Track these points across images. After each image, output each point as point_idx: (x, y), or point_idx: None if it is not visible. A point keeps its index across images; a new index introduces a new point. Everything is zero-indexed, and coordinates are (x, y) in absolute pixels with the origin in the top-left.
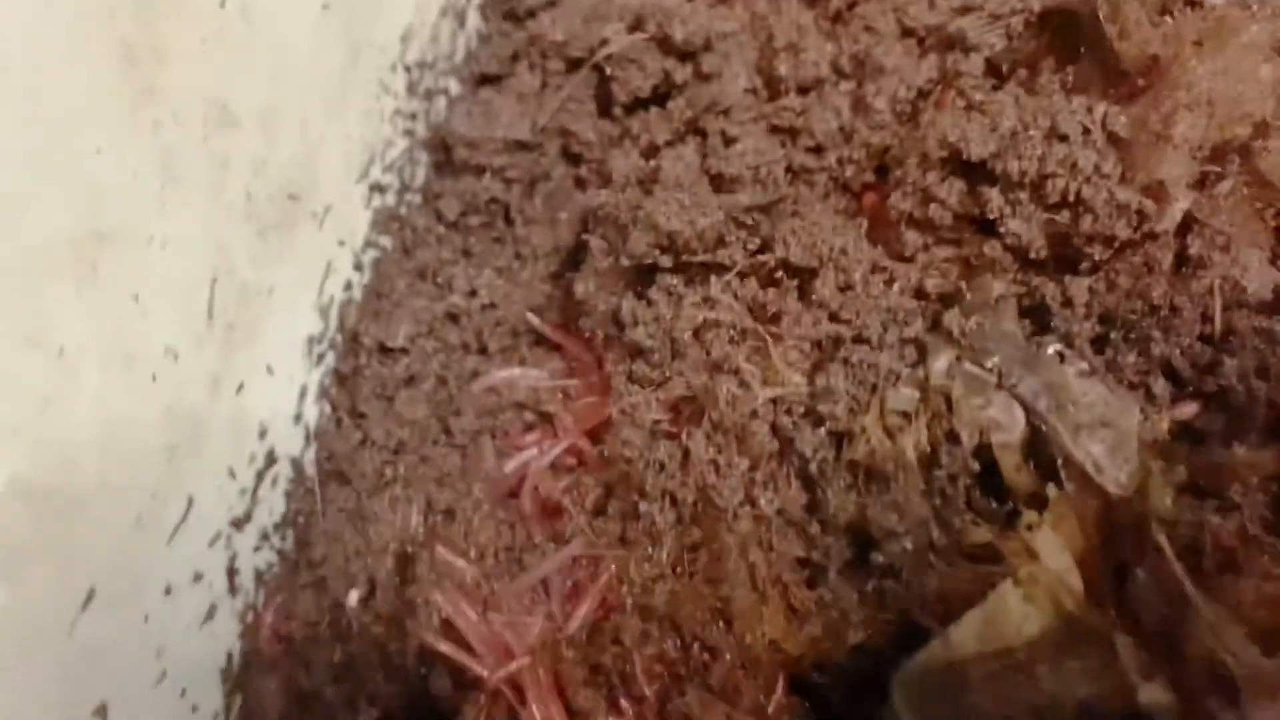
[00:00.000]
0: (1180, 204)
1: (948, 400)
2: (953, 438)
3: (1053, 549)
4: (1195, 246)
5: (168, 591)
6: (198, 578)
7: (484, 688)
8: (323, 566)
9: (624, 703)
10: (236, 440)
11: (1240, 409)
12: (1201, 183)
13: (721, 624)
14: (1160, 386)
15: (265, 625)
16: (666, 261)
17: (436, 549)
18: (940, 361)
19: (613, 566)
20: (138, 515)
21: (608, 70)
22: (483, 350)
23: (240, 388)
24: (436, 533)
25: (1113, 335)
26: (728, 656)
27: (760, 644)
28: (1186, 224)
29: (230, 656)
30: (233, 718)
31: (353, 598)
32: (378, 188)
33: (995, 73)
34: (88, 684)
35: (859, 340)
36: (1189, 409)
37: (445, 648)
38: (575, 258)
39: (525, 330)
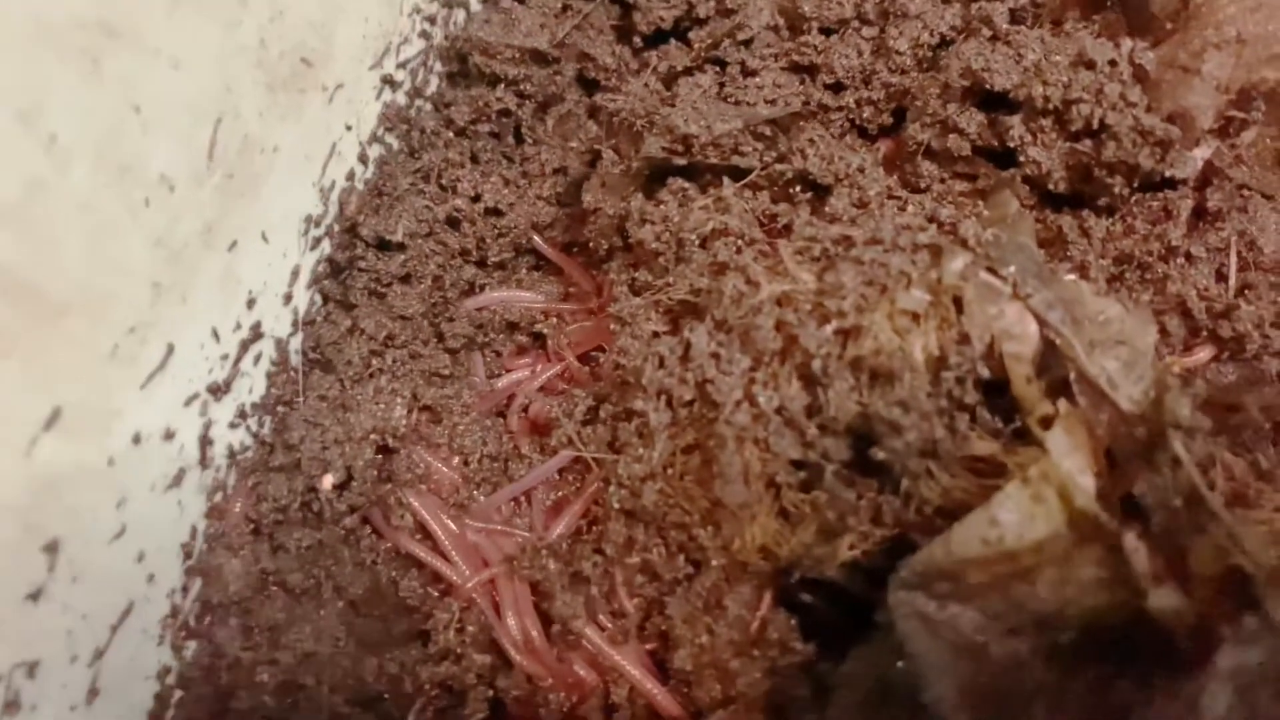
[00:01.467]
0: (1202, 151)
1: (958, 304)
2: (963, 339)
3: (1065, 447)
4: (1214, 200)
5: (136, 440)
6: (169, 435)
7: (457, 596)
8: (299, 450)
9: (603, 618)
10: (224, 301)
11: (1254, 358)
12: (1225, 130)
13: (710, 528)
14: (1175, 326)
15: (235, 507)
16: (680, 161)
17: (418, 449)
18: (955, 263)
19: (600, 477)
20: (115, 345)
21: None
22: (482, 261)
23: (233, 245)
24: (419, 431)
25: (1128, 274)
26: (714, 563)
27: (749, 549)
28: (1206, 178)
29: (195, 532)
30: (190, 599)
31: (327, 482)
32: (389, 81)
33: (1019, 19)
34: (41, 513)
35: (872, 241)
36: (1203, 354)
37: (419, 552)
38: (582, 180)
39: (526, 250)
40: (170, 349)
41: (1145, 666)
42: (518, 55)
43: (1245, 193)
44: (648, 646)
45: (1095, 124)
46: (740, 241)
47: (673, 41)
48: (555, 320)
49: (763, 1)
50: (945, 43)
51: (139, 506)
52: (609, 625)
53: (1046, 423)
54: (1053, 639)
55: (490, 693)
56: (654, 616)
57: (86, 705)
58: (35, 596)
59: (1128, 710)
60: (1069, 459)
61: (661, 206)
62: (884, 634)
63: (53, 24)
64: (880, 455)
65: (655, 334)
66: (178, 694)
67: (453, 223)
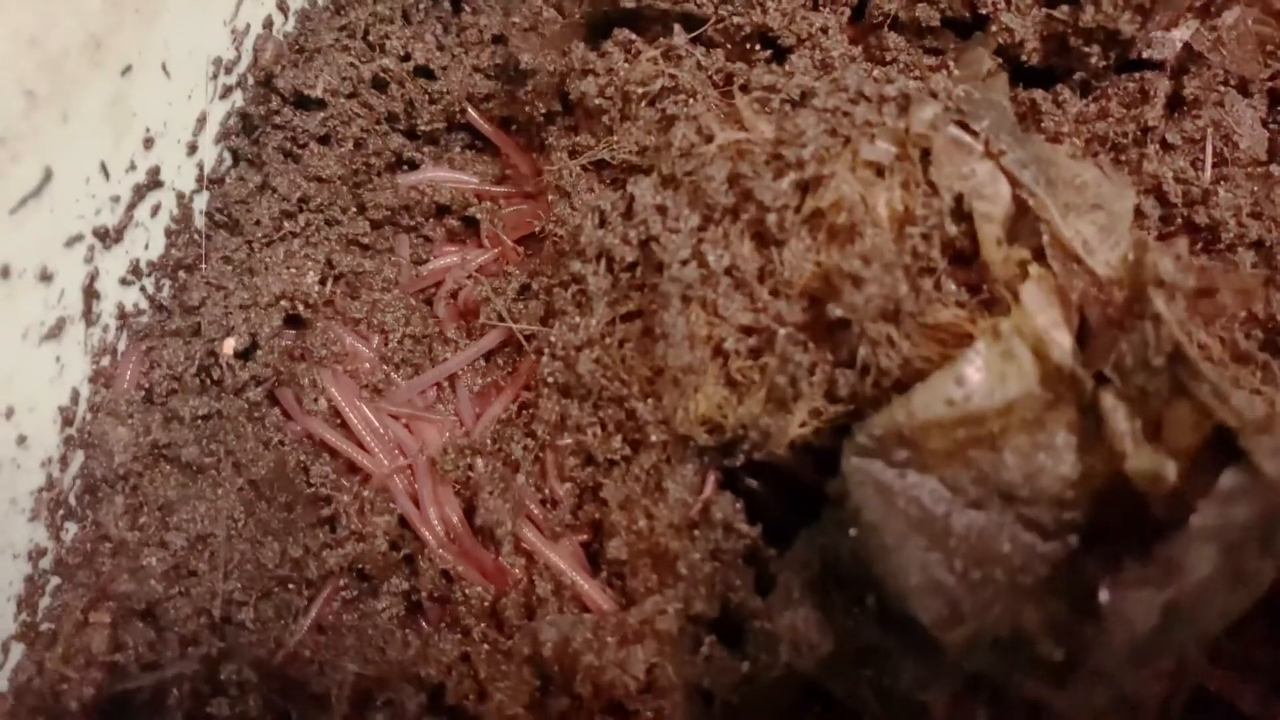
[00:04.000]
0: (1180, 32)
1: (926, 159)
2: (932, 190)
3: (1040, 302)
4: (1191, 87)
5: (4, 273)
6: (45, 277)
7: (371, 484)
8: (199, 313)
9: (533, 508)
10: (115, 131)
11: (1228, 248)
12: (1206, 9)
13: (650, 401)
14: (1150, 207)
15: (125, 372)
16: (629, 4)
17: (333, 324)
18: (925, 112)
19: (534, 350)
20: None
21: None
22: (411, 130)
23: (127, 70)
24: (335, 305)
25: (1101, 156)
26: (654, 439)
27: (692, 420)
28: (1184, 64)
29: (76, 396)
30: (70, 474)
31: (228, 346)
32: None
33: None
34: None
35: (836, 89)
36: (1178, 245)
37: (333, 439)
38: (520, 49)
39: (460, 126)
40: (48, 173)
41: (1114, 542)
42: None
43: (1222, 88)
44: (580, 538)
45: None
46: (691, 98)
47: None
48: (489, 204)
49: None
50: None
51: (7, 353)
52: (539, 515)
53: (1019, 278)
54: (1021, 508)
55: (405, 585)
56: (586, 505)
57: None
58: None
59: (1093, 584)
60: (1044, 313)
61: (606, 58)
62: (834, 509)
63: None
64: (838, 313)
65: (591, 191)
66: (53, 580)
67: (379, 84)
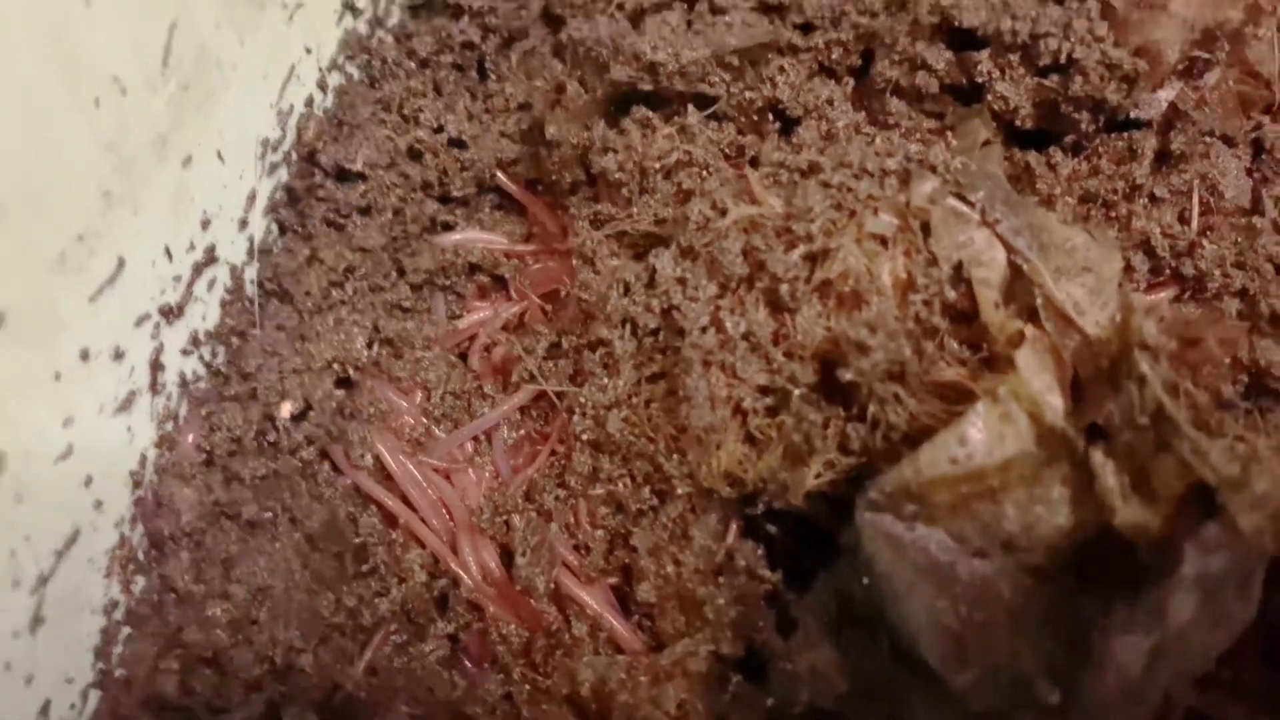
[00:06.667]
0: (1165, 93)
1: (926, 230)
2: (931, 262)
3: (1034, 367)
4: (1178, 143)
5: (85, 356)
6: (119, 355)
7: (416, 537)
8: (255, 379)
9: (568, 555)
10: (177, 218)
11: (1214, 296)
12: (1189, 71)
13: (675, 456)
14: (1139, 263)
15: (187, 436)
16: (646, 87)
17: (379, 382)
18: (924, 186)
19: (565, 408)
20: (62, 252)
21: None
22: (445, 196)
23: (188, 161)
24: (380, 365)
25: (1093, 213)
26: (680, 492)
27: (715, 475)
28: (1170, 120)
29: (144, 460)
30: (139, 531)
31: (285, 410)
32: (350, 7)
33: None
34: None
35: (840, 165)
36: (1164, 293)
37: (379, 493)
38: (546, 116)
39: (489, 187)
40: (121, 262)
41: (1106, 584)
42: None
43: (1209, 139)
44: (610, 581)
45: (1063, 58)
46: (705, 171)
47: None
48: (517, 262)
49: None
50: None
51: (87, 427)
52: (574, 561)
53: (1015, 344)
54: (1018, 560)
55: (450, 628)
56: (617, 550)
57: (30, 633)
58: None
59: (1089, 626)
60: (1038, 377)
61: (625, 135)
62: (848, 557)
63: None
64: (847, 376)
65: (615, 262)
66: (125, 629)
67: (414, 154)
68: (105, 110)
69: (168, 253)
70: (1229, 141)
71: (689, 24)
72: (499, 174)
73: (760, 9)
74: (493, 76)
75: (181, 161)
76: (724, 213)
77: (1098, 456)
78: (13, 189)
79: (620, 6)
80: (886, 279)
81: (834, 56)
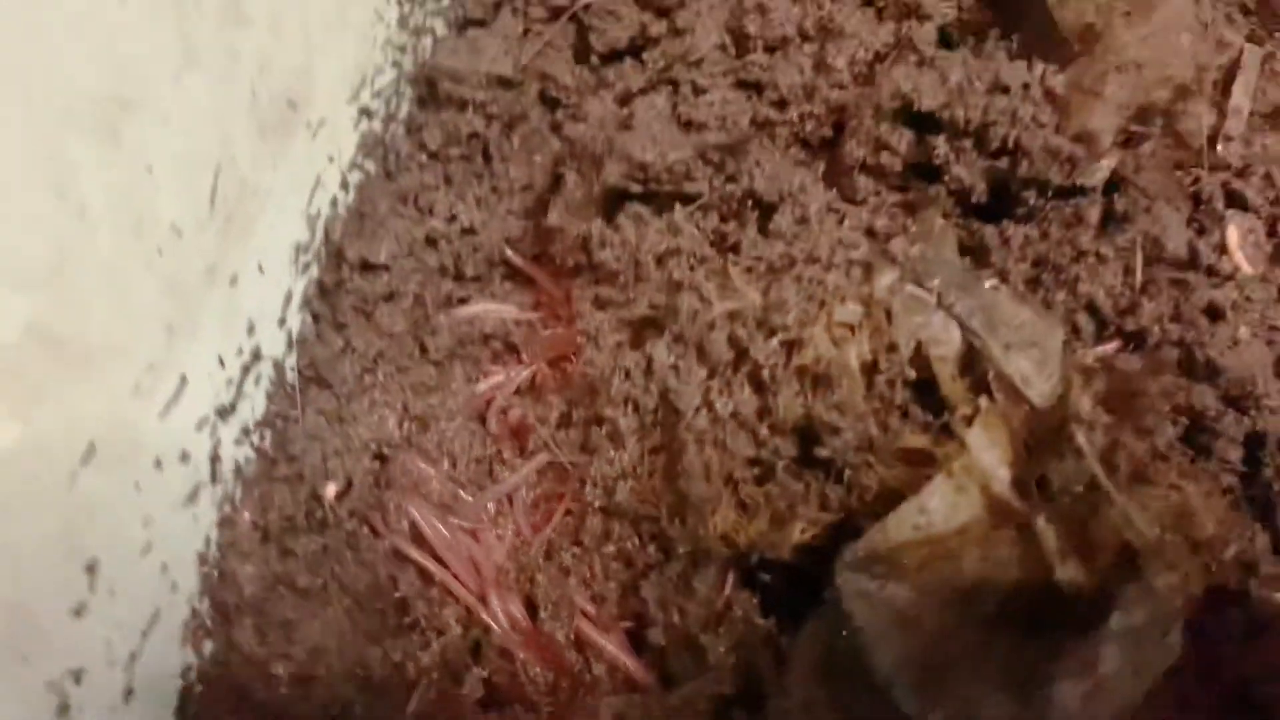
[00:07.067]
0: (1107, 161)
1: (889, 315)
2: (892, 348)
3: (983, 444)
4: (1121, 204)
5: (158, 465)
6: (185, 457)
7: (449, 592)
8: (301, 462)
9: (583, 603)
10: (227, 331)
11: (1154, 349)
12: (1127, 143)
13: (677, 520)
14: (1085, 323)
15: (243, 516)
16: (636, 188)
17: (410, 455)
18: (885, 279)
19: (577, 478)
20: (136, 383)
21: (586, 21)
22: (459, 275)
23: (234, 280)
24: (411, 440)
25: (1044, 277)
26: (681, 551)
27: (712, 537)
28: (1113, 182)
29: (208, 541)
30: (207, 603)
31: (330, 490)
32: (366, 112)
33: (946, 41)
34: (83, 537)
35: (810, 260)
36: (1110, 346)
37: (415, 554)
38: (548, 196)
39: (499, 262)
40: (183, 380)
41: (1052, 631)
42: (484, 81)
43: (1148, 198)
44: (624, 625)
45: (1010, 144)
46: (692, 259)
47: (628, 60)
48: (527, 328)
49: (710, 22)
50: (880, 58)
51: (161, 523)
52: (591, 611)
53: (969, 419)
54: (975, 610)
55: (484, 673)
56: (629, 600)
57: (124, 704)
58: (79, 611)
59: (1036, 668)
60: (987, 453)
61: (620, 230)
62: (832, 609)
63: (77, 103)
64: (823, 454)
65: (619, 344)
66: (199, 689)
67: (431, 242)
68: (166, 256)
69: (220, 361)
70: (1168, 198)
71: (674, 106)
72: (507, 250)
73: (739, 86)
74: (496, 158)
75: (229, 282)
76: (710, 305)
77: (1040, 521)
78: (99, 340)
79: (612, 90)
80: (854, 363)
81: (808, 129)
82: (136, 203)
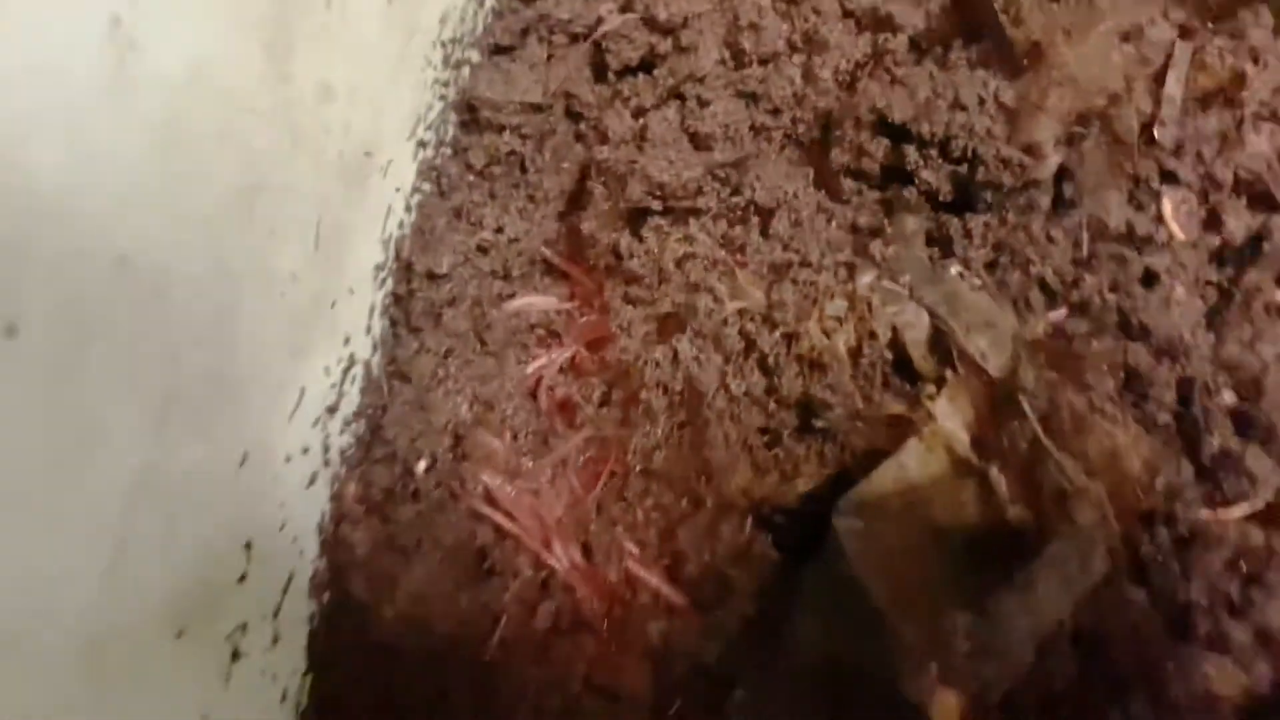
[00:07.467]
0: (1053, 159)
1: (870, 308)
2: (873, 335)
3: (947, 413)
4: (1068, 191)
5: (287, 459)
6: (305, 451)
7: (520, 542)
8: (393, 444)
9: (629, 546)
10: (330, 345)
11: (1096, 316)
12: (1070, 140)
13: (704, 479)
14: (1036, 298)
15: (350, 492)
16: (656, 205)
17: (480, 431)
18: (865, 277)
19: (618, 445)
20: (273, 399)
21: (603, 44)
22: (507, 276)
23: (333, 304)
24: (479, 420)
25: (1001, 259)
26: (709, 503)
27: (733, 491)
28: (1061, 173)
29: (323, 515)
30: (324, 561)
31: (420, 467)
32: (421, 144)
33: (917, 48)
34: (243, 524)
35: (804, 264)
36: (1058, 315)
37: (488, 511)
38: (578, 199)
39: (540, 260)
40: (302, 391)
41: (1003, 560)
42: (518, 108)
43: (1092, 184)
44: (663, 563)
45: (969, 154)
46: (706, 263)
47: (640, 76)
48: (565, 315)
49: (710, 40)
50: (860, 66)
51: (291, 504)
52: (636, 552)
53: (937, 391)
54: (943, 544)
55: (552, 606)
56: (666, 543)
57: (273, 647)
58: (242, 579)
59: (989, 589)
60: (950, 420)
61: (644, 241)
62: (831, 546)
63: (226, 197)
64: (820, 424)
65: (648, 334)
66: (323, 632)
67: (482, 250)
68: (287, 296)
69: (326, 370)
70: (1109, 183)
71: (683, 119)
72: (545, 250)
73: (738, 96)
74: (531, 170)
75: (330, 305)
76: (723, 304)
77: (993, 472)
78: (248, 373)
79: (627, 105)
80: (842, 349)
81: (799, 131)
82: (266, 261)
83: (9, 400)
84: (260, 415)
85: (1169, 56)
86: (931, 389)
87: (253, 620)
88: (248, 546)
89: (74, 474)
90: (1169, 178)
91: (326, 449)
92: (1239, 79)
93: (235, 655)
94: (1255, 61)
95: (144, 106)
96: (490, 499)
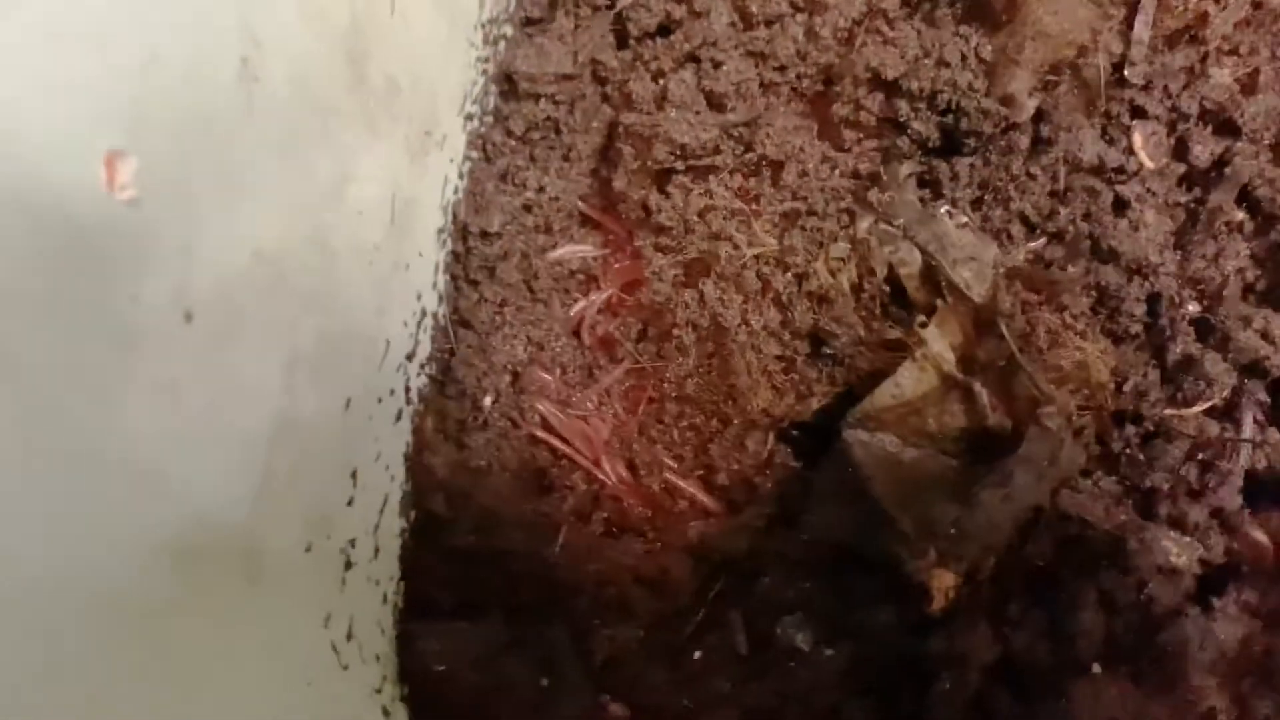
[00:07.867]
0: (1030, 103)
1: (869, 248)
2: (872, 272)
3: (935, 338)
4: (1045, 131)
5: (379, 400)
6: (392, 392)
7: (574, 462)
8: (462, 383)
9: (668, 460)
10: (406, 302)
11: (1070, 243)
12: (1045, 86)
13: (730, 401)
14: (1017, 230)
15: (428, 424)
16: (679, 165)
17: (534, 369)
18: (864, 222)
19: (656, 378)
20: (366, 352)
21: (624, 12)
22: (549, 230)
23: (407, 267)
24: (534, 358)
25: (986, 197)
26: (735, 422)
27: (756, 411)
28: (1039, 115)
29: (408, 443)
30: (411, 483)
31: (486, 401)
32: (469, 116)
33: (907, 4)
34: (348, 455)
35: (811, 213)
36: (1038, 244)
37: (545, 436)
38: (607, 155)
39: (576, 214)
40: (388, 343)
41: (986, 460)
42: (553, 78)
43: (1067, 123)
44: (698, 473)
45: (953, 106)
46: (725, 213)
47: (659, 40)
48: (601, 261)
49: (721, 5)
50: (857, 24)
51: (384, 438)
52: (674, 465)
53: (928, 316)
54: (935, 449)
55: (604, 514)
56: (700, 456)
57: (375, 558)
58: (350, 502)
59: (973, 484)
60: (938, 344)
61: (670, 197)
62: (840, 453)
63: (322, 187)
64: (828, 351)
65: (676, 278)
66: (412, 544)
67: (527, 208)
68: (374, 266)
69: (404, 324)
70: (1082, 122)
71: (699, 79)
72: (580, 204)
73: (747, 55)
74: (565, 133)
75: (405, 269)
76: (741, 250)
77: (976, 386)
78: (344, 329)
79: (647, 68)
80: (846, 286)
81: (804, 85)
82: (359, 238)
83: (187, 368)
84: (358, 366)
85: (1137, 2)
86: (923, 317)
87: (360, 536)
88: (354, 475)
89: (234, 421)
90: (1139, 112)
91: (408, 389)
92: (1202, 18)
93: (348, 565)
94: (1217, 1)
95: (267, 126)
96: (546, 426)
